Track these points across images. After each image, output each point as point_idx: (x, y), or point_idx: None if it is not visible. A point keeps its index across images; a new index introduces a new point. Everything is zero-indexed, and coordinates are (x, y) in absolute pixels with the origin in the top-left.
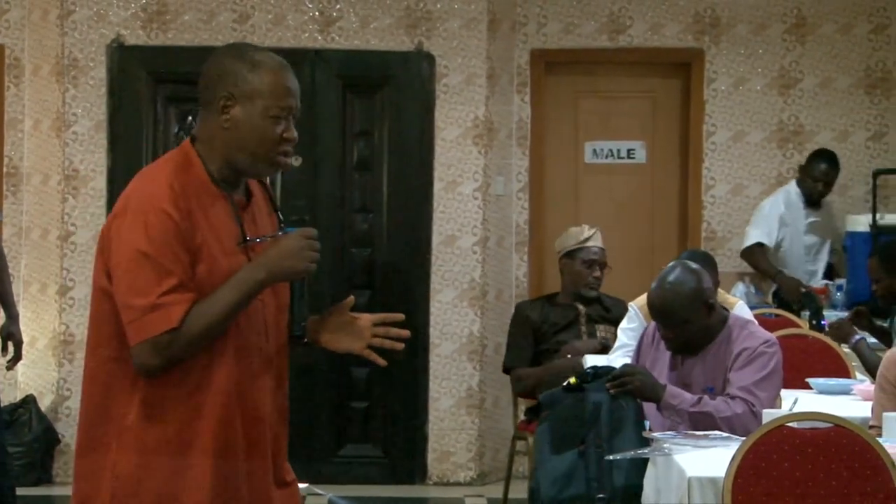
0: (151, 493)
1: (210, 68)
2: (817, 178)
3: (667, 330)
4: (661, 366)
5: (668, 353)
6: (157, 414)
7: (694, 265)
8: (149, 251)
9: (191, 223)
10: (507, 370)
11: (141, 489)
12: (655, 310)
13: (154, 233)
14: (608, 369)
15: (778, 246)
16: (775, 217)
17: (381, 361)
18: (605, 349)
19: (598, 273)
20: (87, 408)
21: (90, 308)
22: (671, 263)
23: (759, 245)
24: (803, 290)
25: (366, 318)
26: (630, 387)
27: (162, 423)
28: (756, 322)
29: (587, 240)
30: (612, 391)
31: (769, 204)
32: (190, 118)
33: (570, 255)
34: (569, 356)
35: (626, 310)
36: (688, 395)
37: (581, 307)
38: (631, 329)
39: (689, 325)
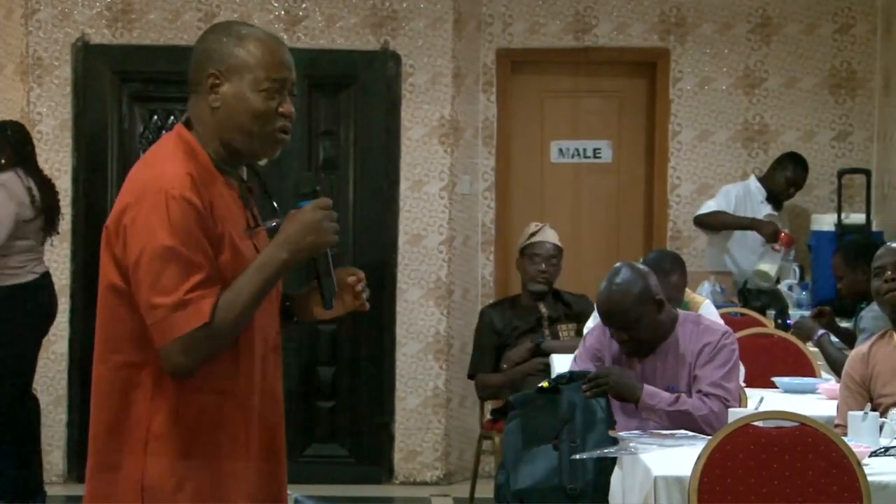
0: (189, 501)
1: (197, 49)
2: (789, 180)
3: (620, 332)
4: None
5: (617, 352)
6: (188, 417)
7: (638, 264)
8: (174, 244)
9: (212, 211)
10: (471, 376)
11: (178, 497)
12: (606, 313)
13: (177, 224)
14: (583, 374)
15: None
16: (733, 197)
17: (367, 305)
18: (538, 352)
19: (543, 267)
20: (103, 421)
21: (99, 311)
22: (616, 265)
23: (720, 212)
24: (783, 233)
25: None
26: (606, 388)
27: (194, 427)
28: (706, 316)
29: (533, 234)
30: (587, 393)
31: (730, 187)
32: (155, 117)
33: (522, 252)
34: (504, 365)
35: (589, 305)
36: (665, 395)
37: (543, 309)
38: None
39: (640, 324)
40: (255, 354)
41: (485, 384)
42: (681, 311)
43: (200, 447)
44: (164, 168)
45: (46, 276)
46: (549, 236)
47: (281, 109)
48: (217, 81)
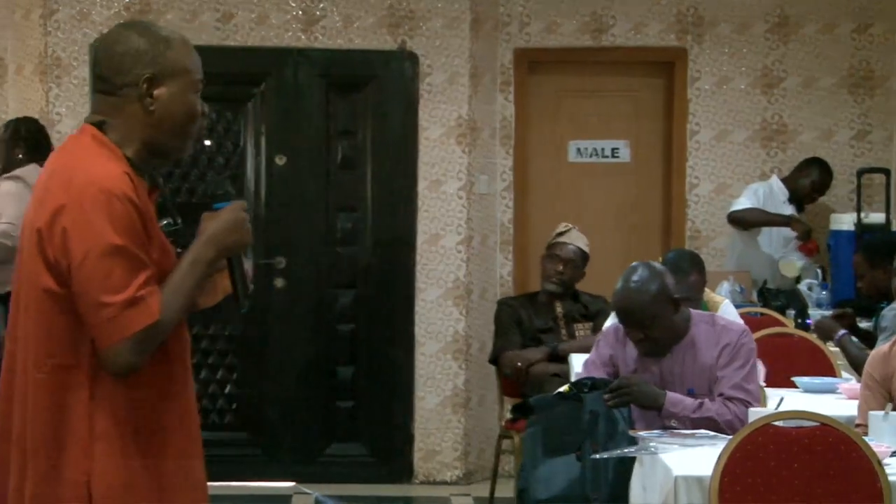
0: (136, 501)
1: (116, 51)
2: (814, 184)
3: (636, 331)
4: (626, 370)
5: (634, 357)
6: (129, 416)
7: (655, 264)
8: (121, 243)
9: (146, 210)
10: (494, 359)
11: (126, 497)
12: (623, 312)
13: (122, 222)
14: (605, 381)
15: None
16: (761, 195)
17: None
18: (554, 356)
19: (560, 268)
20: (40, 426)
21: (27, 317)
22: (633, 264)
23: (755, 209)
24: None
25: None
26: (629, 398)
27: (136, 425)
28: (724, 315)
29: (559, 235)
30: (610, 403)
31: (755, 186)
32: None
33: (546, 250)
34: (518, 364)
35: (605, 305)
36: (688, 401)
37: (559, 308)
38: None
39: (657, 323)
40: (185, 349)
41: (513, 359)
42: (693, 311)
43: (144, 445)
44: (99, 168)
45: None
46: (574, 239)
47: (204, 109)
48: (154, 84)
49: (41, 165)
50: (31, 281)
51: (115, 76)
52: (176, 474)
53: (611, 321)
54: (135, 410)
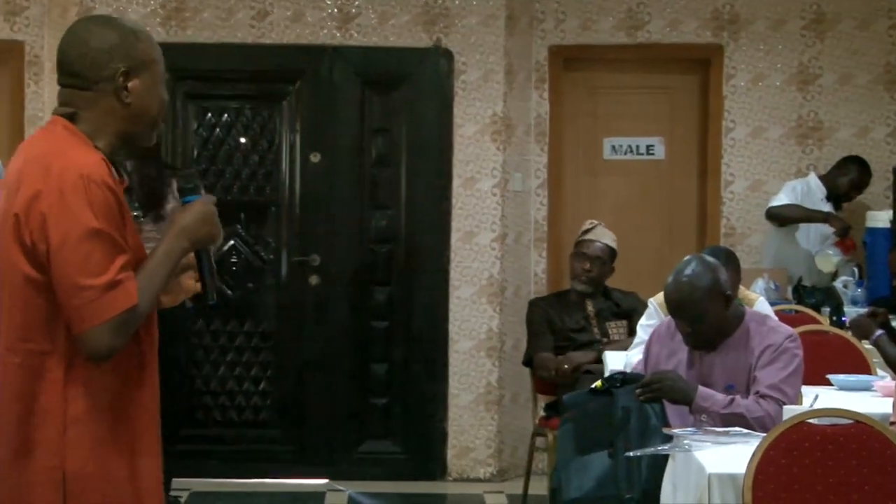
0: (109, 486)
1: (90, 46)
2: (852, 183)
3: (685, 324)
4: (677, 363)
5: (684, 350)
6: (103, 401)
7: (709, 258)
8: (100, 227)
9: (121, 197)
10: (528, 361)
11: (98, 483)
12: (673, 304)
13: (100, 208)
14: (637, 376)
15: (795, 227)
16: (799, 192)
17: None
18: (601, 360)
19: (587, 266)
20: (14, 410)
21: (4, 301)
22: (686, 257)
23: (794, 205)
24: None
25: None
26: (660, 393)
27: (109, 410)
28: (774, 317)
29: (585, 232)
30: (641, 398)
31: (793, 183)
32: (209, 114)
33: (574, 248)
34: (565, 366)
35: (638, 302)
36: (719, 397)
37: (590, 307)
38: (650, 325)
39: (707, 318)
40: (154, 342)
41: (545, 364)
42: (748, 309)
43: (117, 431)
44: (76, 155)
45: None
46: (600, 236)
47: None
48: (127, 77)
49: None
50: (7, 266)
51: (89, 71)
52: (145, 461)
53: (646, 319)
54: (108, 397)
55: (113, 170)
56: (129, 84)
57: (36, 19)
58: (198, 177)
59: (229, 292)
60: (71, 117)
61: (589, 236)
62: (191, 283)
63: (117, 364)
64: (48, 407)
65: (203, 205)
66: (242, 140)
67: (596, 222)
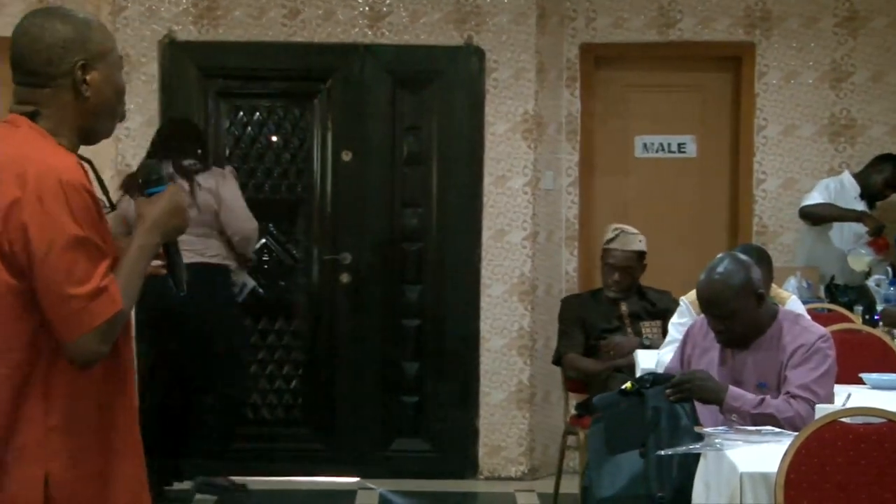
0: (92, 492)
1: (44, 42)
2: (887, 181)
3: (717, 322)
4: (709, 361)
5: (717, 348)
6: (83, 410)
7: (742, 256)
8: (82, 234)
9: (96, 198)
10: (558, 360)
11: (81, 489)
12: (705, 301)
13: (80, 213)
14: (667, 376)
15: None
16: (832, 190)
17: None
18: (646, 348)
19: (616, 277)
20: None
21: None
22: (719, 255)
23: (827, 203)
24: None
25: None
26: (690, 393)
27: (87, 420)
28: (808, 316)
29: (609, 241)
30: (671, 398)
31: (827, 181)
32: (241, 113)
33: (601, 254)
34: (611, 352)
35: (672, 302)
36: (749, 396)
37: (624, 307)
38: (681, 324)
39: (739, 316)
40: (130, 344)
41: (575, 365)
42: (781, 308)
43: (98, 435)
44: (51, 159)
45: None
46: (625, 244)
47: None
48: (86, 70)
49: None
50: None
51: (46, 68)
52: (127, 464)
53: (678, 318)
54: (89, 403)
55: (86, 168)
56: (88, 77)
57: None
58: (161, 167)
59: (261, 291)
60: (32, 116)
61: (613, 245)
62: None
63: (98, 372)
64: (30, 415)
65: (170, 196)
66: (274, 138)
67: (619, 229)
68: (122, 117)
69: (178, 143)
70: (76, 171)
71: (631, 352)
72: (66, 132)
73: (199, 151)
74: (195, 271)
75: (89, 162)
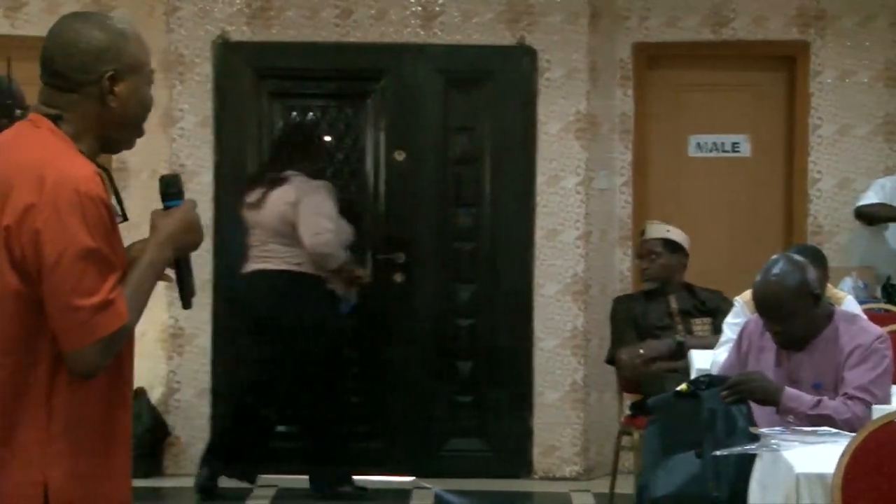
0: (91, 498)
1: (78, 47)
2: None
3: (774, 324)
4: (765, 361)
5: (773, 348)
6: (82, 416)
7: (798, 257)
8: (94, 246)
9: (112, 210)
10: (611, 360)
11: (80, 495)
12: (761, 303)
13: (95, 224)
14: (722, 378)
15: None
16: (889, 189)
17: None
18: (679, 351)
19: (644, 265)
20: None
21: None
22: (774, 256)
23: (884, 203)
24: None
25: None
26: (746, 394)
27: (88, 426)
28: (864, 316)
29: (640, 235)
30: (727, 400)
31: (883, 180)
32: (294, 113)
33: None
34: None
35: (723, 301)
36: (806, 398)
37: (673, 304)
38: (736, 324)
39: (795, 317)
40: (132, 354)
41: (625, 363)
42: (837, 308)
43: (97, 443)
44: (71, 168)
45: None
46: (652, 232)
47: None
48: (116, 80)
49: None
50: None
51: (75, 73)
52: (122, 473)
53: (733, 318)
54: (89, 410)
55: (104, 178)
56: (116, 88)
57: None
58: (179, 180)
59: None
60: (55, 119)
61: (644, 237)
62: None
63: (101, 378)
64: (30, 421)
65: (186, 212)
66: (327, 138)
67: (651, 222)
68: (141, 133)
69: (281, 152)
70: (94, 181)
71: (661, 356)
72: (87, 139)
73: (306, 162)
74: (275, 276)
75: (107, 171)
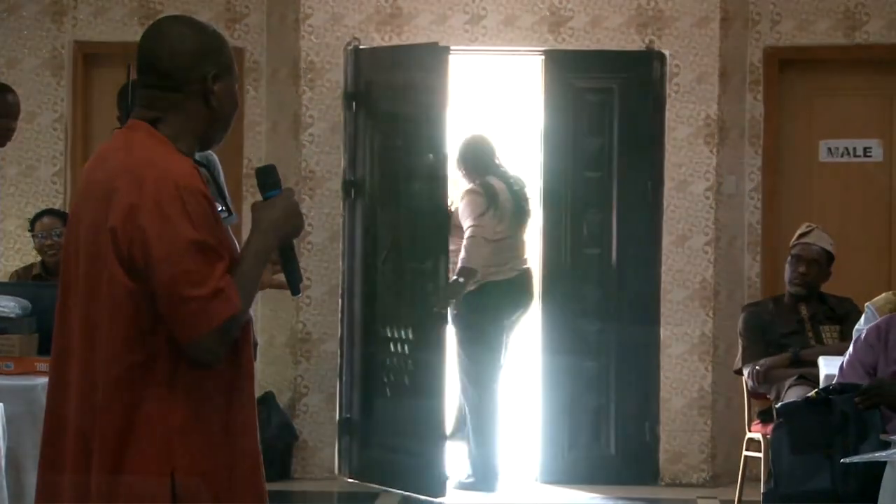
0: (216, 490)
1: (184, 48)
2: None
3: None
4: (887, 368)
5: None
6: (207, 408)
7: None
8: (199, 238)
9: (213, 201)
10: (739, 370)
11: (206, 488)
12: None
13: (197, 216)
14: (855, 386)
15: None
16: None
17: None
18: (796, 361)
19: (803, 269)
20: (116, 421)
21: (98, 312)
22: None
23: None
24: None
25: None
26: (879, 400)
27: (211, 418)
28: None
29: (802, 236)
30: (861, 405)
31: None
32: None
33: (789, 252)
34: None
35: (852, 307)
36: None
37: (804, 310)
38: None
39: None
40: (249, 343)
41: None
42: None
43: (221, 435)
44: (169, 164)
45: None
46: (818, 239)
47: None
48: (215, 81)
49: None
50: (104, 280)
51: (182, 72)
52: (247, 462)
53: (864, 324)
54: (210, 403)
55: (202, 173)
56: (216, 87)
57: (255, 26)
58: (276, 171)
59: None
60: (153, 121)
61: (806, 239)
62: (267, 276)
63: (217, 370)
64: (152, 417)
65: (285, 199)
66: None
67: (813, 225)
68: (229, 130)
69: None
70: (193, 175)
71: (778, 366)
72: (186, 138)
73: (462, 170)
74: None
75: (205, 167)
